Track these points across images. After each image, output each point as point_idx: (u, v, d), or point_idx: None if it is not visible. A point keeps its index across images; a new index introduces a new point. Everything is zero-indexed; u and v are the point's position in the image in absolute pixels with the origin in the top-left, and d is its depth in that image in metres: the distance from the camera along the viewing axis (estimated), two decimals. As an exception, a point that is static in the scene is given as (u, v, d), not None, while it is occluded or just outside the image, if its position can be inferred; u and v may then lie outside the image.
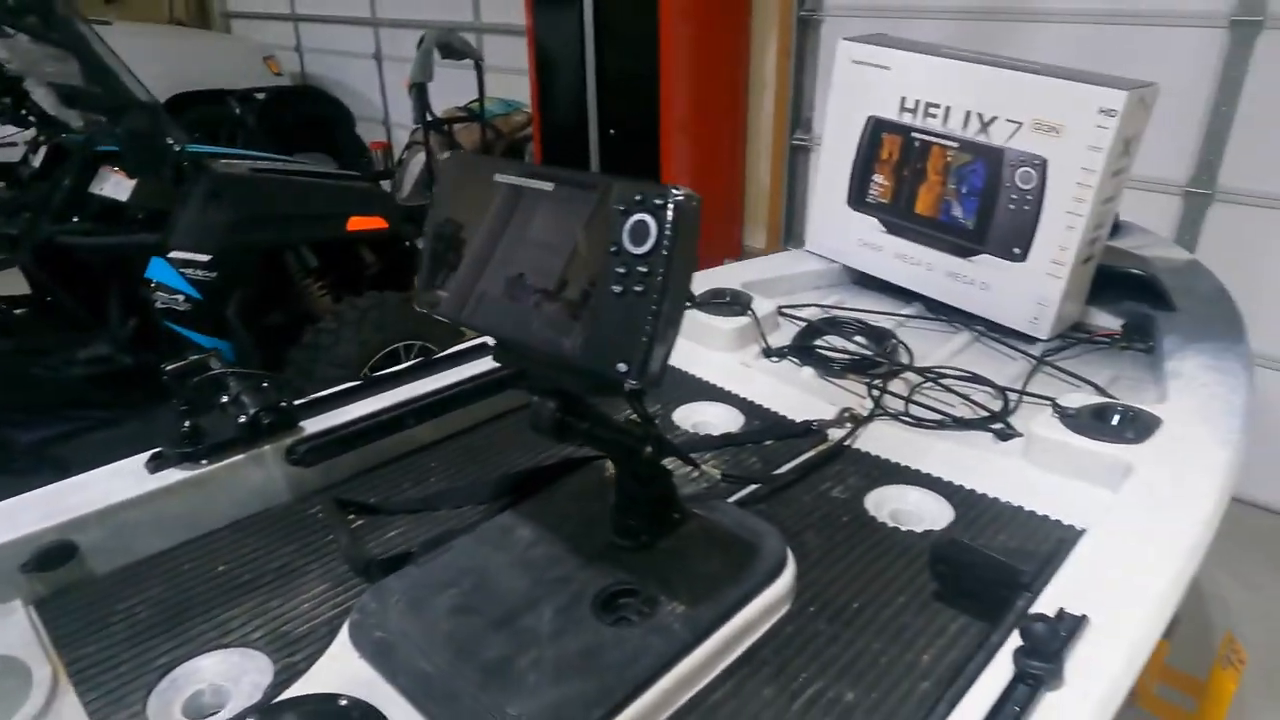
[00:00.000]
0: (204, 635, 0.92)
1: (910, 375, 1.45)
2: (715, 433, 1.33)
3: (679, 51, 3.94)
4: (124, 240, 2.63)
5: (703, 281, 1.70)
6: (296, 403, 1.22)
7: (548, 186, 0.81)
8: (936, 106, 1.59)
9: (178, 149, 2.61)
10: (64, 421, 2.55)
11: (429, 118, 4.20)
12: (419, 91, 4.01)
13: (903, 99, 1.64)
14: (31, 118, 2.83)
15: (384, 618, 0.86)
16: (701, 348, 1.55)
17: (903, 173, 1.68)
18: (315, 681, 0.82)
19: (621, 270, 0.73)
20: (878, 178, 1.72)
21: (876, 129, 1.70)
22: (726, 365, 1.51)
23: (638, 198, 0.73)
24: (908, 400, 1.37)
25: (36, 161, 2.90)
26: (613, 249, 0.74)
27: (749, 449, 1.27)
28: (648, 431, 0.92)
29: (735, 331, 1.55)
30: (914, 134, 1.64)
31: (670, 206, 0.71)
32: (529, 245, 0.82)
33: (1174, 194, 3.01)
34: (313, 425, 1.20)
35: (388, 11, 6.92)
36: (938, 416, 1.32)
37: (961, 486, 1.16)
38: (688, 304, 0.77)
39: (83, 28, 2.59)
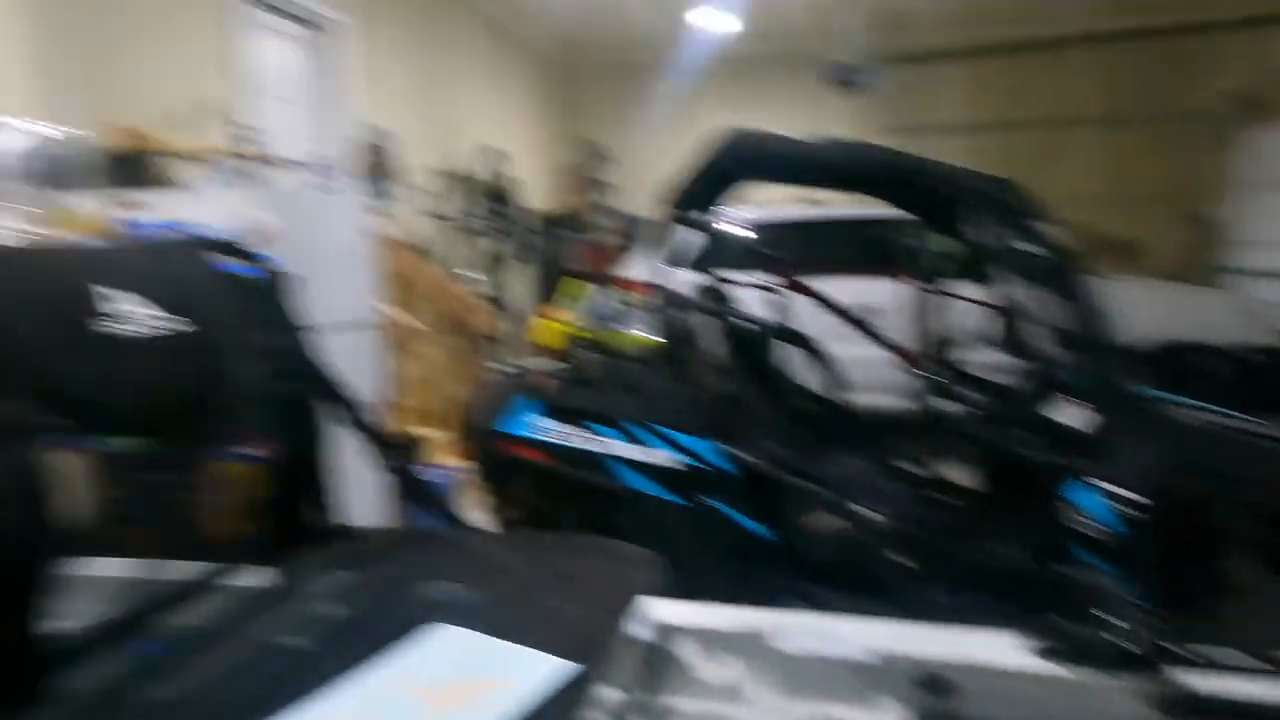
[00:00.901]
0: None
1: None
2: None
3: None
4: (1061, 461, 2.88)
5: None
6: (1177, 651, 1.17)
7: None
8: None
9: (1131, 389, 2.75)
10: (961, 595, 2.92)
11: None
12: None
13: None
14: (1027, 353, 3.41)
15: None
16: None
17: None
18: None
19: None
20: None
21: None
22: None
23: None
24: None
25: (1019, 385, 3.45)
26: None
27: None
28: None
29: None
30: None
31: None
32: None
33: None
34: (1192, 681, 1.11)
35: None
36: None
37: None
38: None
39: (1088, 286, 3.00)
